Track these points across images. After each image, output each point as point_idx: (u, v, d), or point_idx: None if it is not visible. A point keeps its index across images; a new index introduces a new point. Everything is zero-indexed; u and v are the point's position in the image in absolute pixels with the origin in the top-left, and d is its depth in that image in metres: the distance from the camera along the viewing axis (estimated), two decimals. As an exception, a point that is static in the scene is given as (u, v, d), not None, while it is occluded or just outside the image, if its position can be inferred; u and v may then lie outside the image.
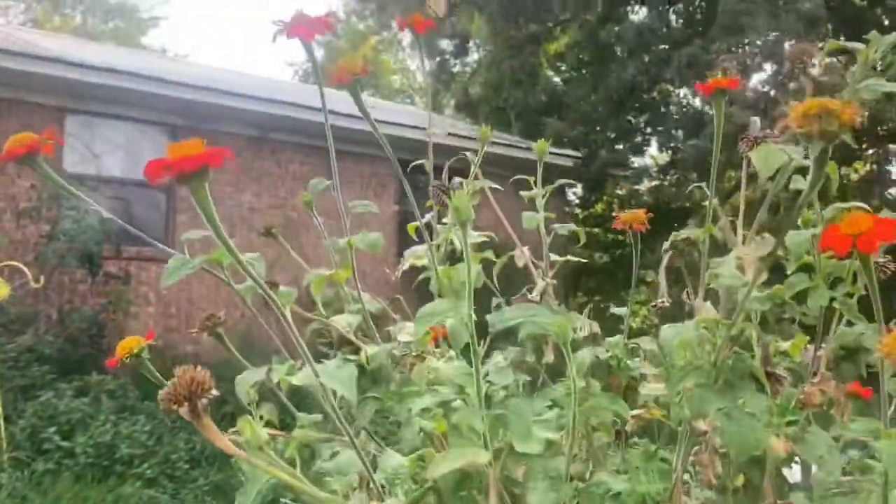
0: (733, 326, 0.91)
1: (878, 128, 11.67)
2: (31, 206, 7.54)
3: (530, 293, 1.11)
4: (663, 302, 1.18)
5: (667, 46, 12.98)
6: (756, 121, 1.09)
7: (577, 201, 16.64)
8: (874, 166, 12.32)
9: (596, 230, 16.55)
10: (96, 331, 7.64)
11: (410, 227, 1.29)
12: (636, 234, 1.19)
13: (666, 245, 1.17)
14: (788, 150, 0.87)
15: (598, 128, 13.93)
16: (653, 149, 15.41)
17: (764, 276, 0.88)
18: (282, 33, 1.02)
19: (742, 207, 1.11)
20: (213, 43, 46.63)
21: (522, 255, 1.17)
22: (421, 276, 1.17)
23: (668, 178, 15.06)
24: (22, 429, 5.67)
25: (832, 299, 0.92)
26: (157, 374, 1.08)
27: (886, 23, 11.56)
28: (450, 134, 10.80)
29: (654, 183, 15.31)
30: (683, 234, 1.19)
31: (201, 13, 49.07)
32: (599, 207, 16.88)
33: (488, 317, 0.95)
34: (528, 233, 1.45)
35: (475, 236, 1.08)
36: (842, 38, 1.12)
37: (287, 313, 0.94)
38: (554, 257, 1.32)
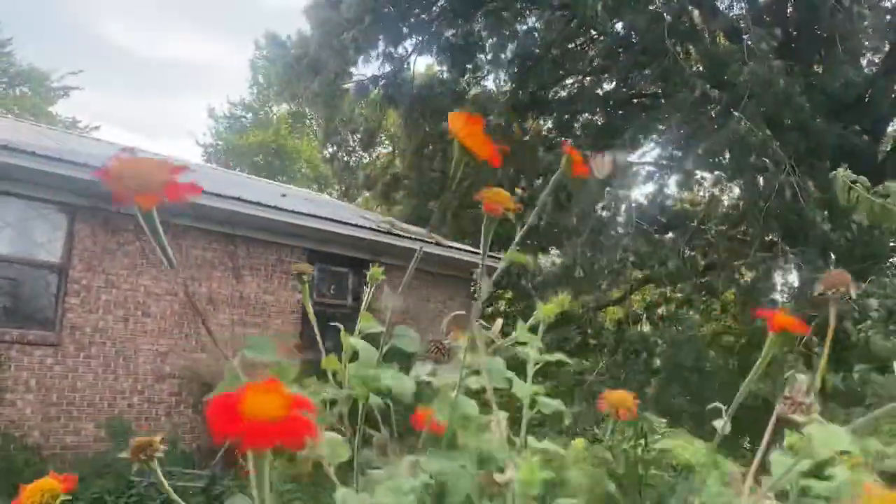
0: None
1: (765, 237, 12.46)
2: None
3: None
4: None
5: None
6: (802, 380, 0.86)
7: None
8: (757, 273, 13.03)
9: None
10: (-37, 420, 7.04)
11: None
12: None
13: None
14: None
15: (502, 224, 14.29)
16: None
17: None
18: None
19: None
20: (127, 114, 45.72)
21: None
22: None
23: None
24: None
25: None
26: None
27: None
28: (357, 225, 10.86)
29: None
30: None
31: (116, 84, 48.16)
32: (506, 301, 17.19)
33: None
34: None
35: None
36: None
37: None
38: None
